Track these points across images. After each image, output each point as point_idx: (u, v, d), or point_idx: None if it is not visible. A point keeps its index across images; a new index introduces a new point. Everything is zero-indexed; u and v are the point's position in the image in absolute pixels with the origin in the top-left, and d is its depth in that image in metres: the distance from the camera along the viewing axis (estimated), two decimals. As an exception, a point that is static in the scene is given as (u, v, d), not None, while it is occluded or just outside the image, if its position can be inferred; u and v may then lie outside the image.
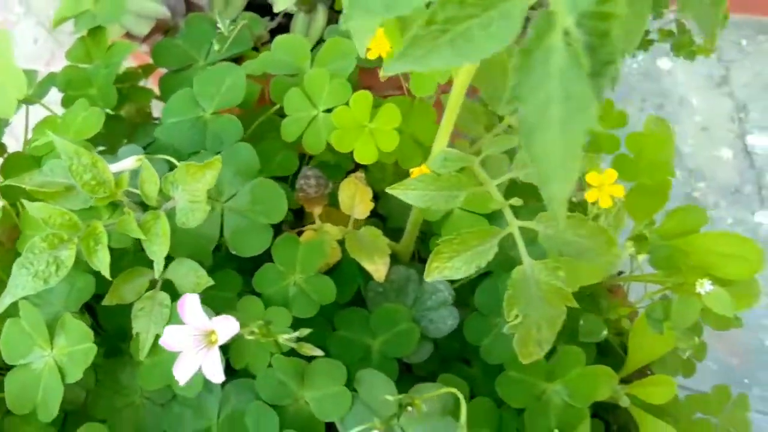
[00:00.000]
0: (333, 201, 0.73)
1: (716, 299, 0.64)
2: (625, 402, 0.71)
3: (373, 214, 0.79)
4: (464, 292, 0.71)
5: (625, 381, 0.74)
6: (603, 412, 0.80)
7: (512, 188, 0.65)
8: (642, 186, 0.68)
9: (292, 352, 0.61)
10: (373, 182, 0.76)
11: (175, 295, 0.60)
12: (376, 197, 0.78)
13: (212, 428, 0.61)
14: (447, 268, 0.56)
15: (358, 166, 0.73)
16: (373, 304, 0.69)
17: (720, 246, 0.66)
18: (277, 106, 0.74)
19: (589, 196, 0.64)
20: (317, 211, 0.71)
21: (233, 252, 0.64)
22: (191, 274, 0.60)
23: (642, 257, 0.70)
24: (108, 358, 0.64)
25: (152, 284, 0.62)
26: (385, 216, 0.78)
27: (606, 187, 0.64)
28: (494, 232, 0.56)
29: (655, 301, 0.67)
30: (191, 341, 0.51)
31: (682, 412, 0.74)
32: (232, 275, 0.65)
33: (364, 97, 0.67)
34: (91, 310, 0.68)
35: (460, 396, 0.53)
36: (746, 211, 1.35)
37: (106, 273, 0.54)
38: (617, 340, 0.77)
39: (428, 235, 0.74)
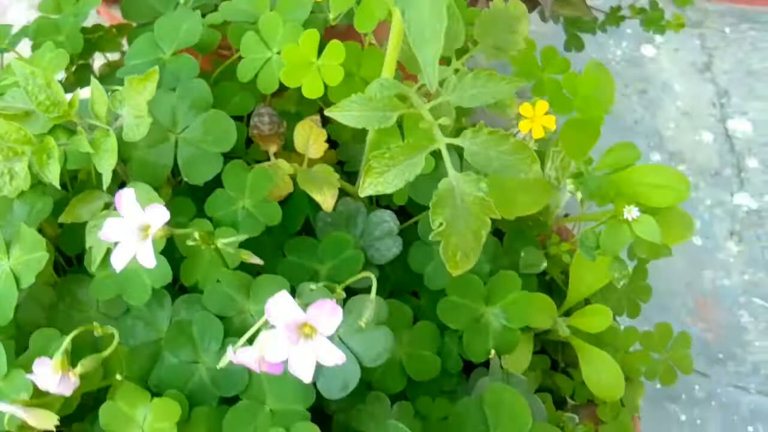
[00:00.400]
0: (292, 146, 0.77)
1: (644, 226, 0.66)
2: (565, 331, 0.74)
3: (337, 163, 0.82)
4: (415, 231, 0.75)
5: (568, 315, 0.77)
6: (551, 350, 0.83)
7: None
8: (575, 121, 0.70)
9: (241, 267, 0.65)
10: (333, 130, 0.80)
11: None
12: (337, 145, 0.82)
13: (162, 340, 0.65)
14: (380, 183, 0.59)
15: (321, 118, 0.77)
16: (321, 233, 0.72)
17: (649, 177, 0.68)
18: (238, 54, 0.77)
19: (522, 126, 0.67)
20: (272, 149, 0.75)
21: (186, 179, 0.68)
22: (144, 196, 0.64)
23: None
24: (66, 276, 0.68)
25: (107, 207, 0.65)
26: (344, 161, 0.82)
27: (538, 119, 0.67)
28: (422, 146, 0.59)
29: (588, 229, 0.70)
30: (128, 232, 0.54)
31: (621, 343, 0.77)
32: (186, 202, 0.68)
33: (312, 35, 0.71)
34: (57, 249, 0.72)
35: (372, 277, 0.56)
36: (725, 193, 1.37)
37: (56, 183, 0.58)
38: (562, 278, 0.80)
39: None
